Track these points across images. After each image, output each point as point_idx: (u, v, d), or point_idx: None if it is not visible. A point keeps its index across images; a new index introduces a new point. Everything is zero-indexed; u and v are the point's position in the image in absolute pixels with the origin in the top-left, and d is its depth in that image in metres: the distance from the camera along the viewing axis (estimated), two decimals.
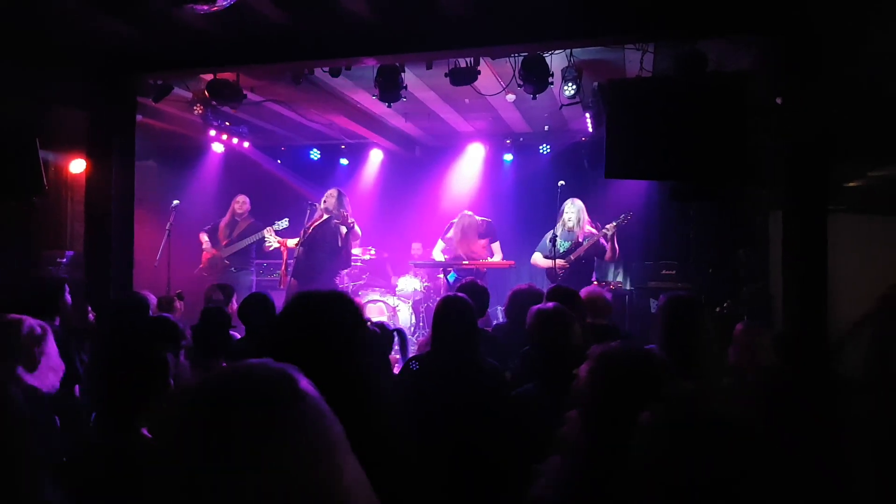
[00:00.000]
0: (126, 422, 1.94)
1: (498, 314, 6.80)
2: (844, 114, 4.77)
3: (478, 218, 7.10)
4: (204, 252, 7.52)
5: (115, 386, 1.96)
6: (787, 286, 4.14)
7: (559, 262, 6.35)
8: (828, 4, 4.02)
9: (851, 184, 6.40)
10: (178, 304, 4.47)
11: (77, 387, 3.04)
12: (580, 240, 6.50)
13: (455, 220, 7.10)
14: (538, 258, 6.71)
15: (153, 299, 3.90)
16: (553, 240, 6.33)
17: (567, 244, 6.51)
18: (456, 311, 2.94)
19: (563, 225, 6.51)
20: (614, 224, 6.40)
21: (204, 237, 7.57)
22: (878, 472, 2.08)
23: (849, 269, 4.66)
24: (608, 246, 6.43)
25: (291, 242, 7.06)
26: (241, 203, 7.63)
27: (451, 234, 7.08)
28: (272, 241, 7.22)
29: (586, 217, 6.61)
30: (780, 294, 4.41)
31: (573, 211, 6.54)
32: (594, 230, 6.57)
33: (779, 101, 4.40)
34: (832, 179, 4.45)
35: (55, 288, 3.22)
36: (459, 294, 3.22)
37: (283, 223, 7.40)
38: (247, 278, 7.47)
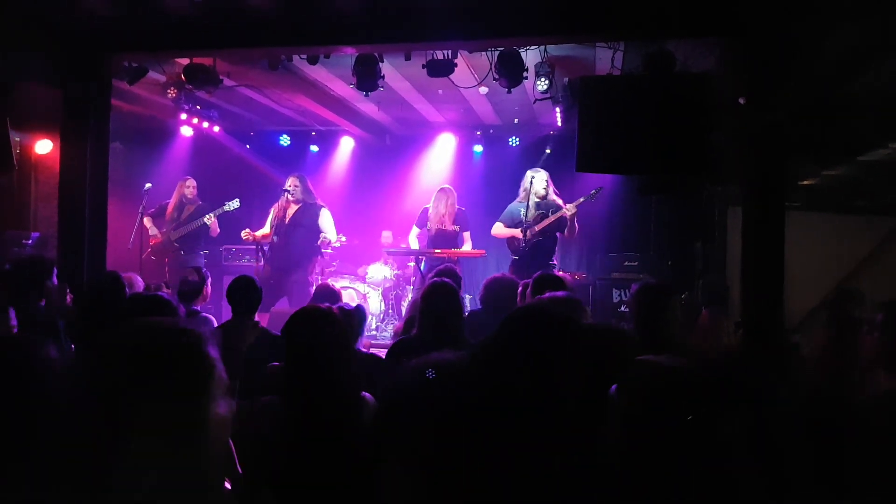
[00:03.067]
0: None
1: (467, 302, 6.93)
2: (801, 114, 5.03)
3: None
4: (151, 237, 7.35)
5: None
6: (746, 278, 4.36)
7: (514, 231, 6.41)
8: (787, 9, 4.24)
9: (806, 182, 6.72)
10: (165, 291, 4.49)
11: None
12: (547, 210, 6.48)
13: (436, 194, 7.16)
14: (499, 228, 6.68)
15: (140, 283, 3.93)
16: (525, 214, 6.37)
17: (539, 213, 6.47)
18: (445, 294, 3.07)
19: (533, 195, 6.44)
20: (583, 199, 6.42)
21: (148, 221, 7.36)
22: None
23: (803, 262, 4.93)
24: (570, 224, 6.44)
25: (261, 233, 7.03)
26: (191, 188, 7.50)
27: (430, 206, 7.12)
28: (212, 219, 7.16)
29: (551, 185, 6.61)
30: (737, 285, 4.66)
31: (541, 180, 6.50)
32: (560, 201, 6.57)
33: (741, 101, 4.61)
34: (789, 178, 4.71)
35: (44, 269, 3.24)
36: (446, 279, 3.34)
37: (234, 203, 7.28)
38: (196, 262, 7.25)
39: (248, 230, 6.99)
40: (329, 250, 7.10)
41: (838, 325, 3.04)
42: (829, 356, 2.91)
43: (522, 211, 6.45)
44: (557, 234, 6.63)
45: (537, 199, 6.48)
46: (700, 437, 1.42)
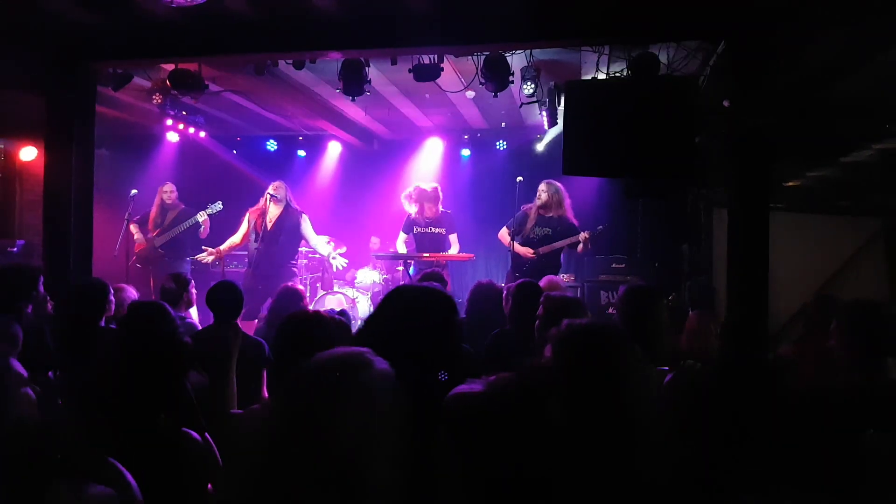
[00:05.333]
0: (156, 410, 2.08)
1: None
2: (785, 117, 5.08)
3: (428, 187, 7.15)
4: (136, 243, 7.29)
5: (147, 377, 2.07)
6: (731, 279, 4.39)
7: (527, 250, 6.35)
8: (771, 14, 4.28)
9: (791, 183, 6.77)
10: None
11: (51, 373, 3.06)
12: (554, 230, 6.39)
13: (419, 185, 7.13)
14: (504, 234, 6.57)
15: (134, 293, 3.91)
16: (525, 224, 6.32)
17: (544, 231, 6.40)
18: None
19: (542, 208, 6.39)
20: (588, 234, 6.30)
21: (134, 228, 7.32)
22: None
23: (788, 263, 4.97)
24: (581, 244, 6.35)
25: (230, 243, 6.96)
26: (169, 192, 7.45)
27: (409, 200, 7.10)
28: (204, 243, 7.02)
29: (567, 200, 6.48)
30: (723, 286, 4.69)
31: (552, 193, 6.41)
32: (571, 218, 6.48)
33: (726, 103, 4.65)
34: (773, 179, 4.75)
35: (31, 276, 3.22)
36: (434, 284, 3.34)
37: (217, 206, 7.24)
38: (182, 268, 7.21)
39: (209, 250, 6.87)
40: (340, 262, 7.04)
41: (814, 329, 3.10)
42: (805, 359, 2.96)
43: (536, 228, 6.37)
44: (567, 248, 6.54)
45: (545, 214, 6.42)
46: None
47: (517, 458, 1.32)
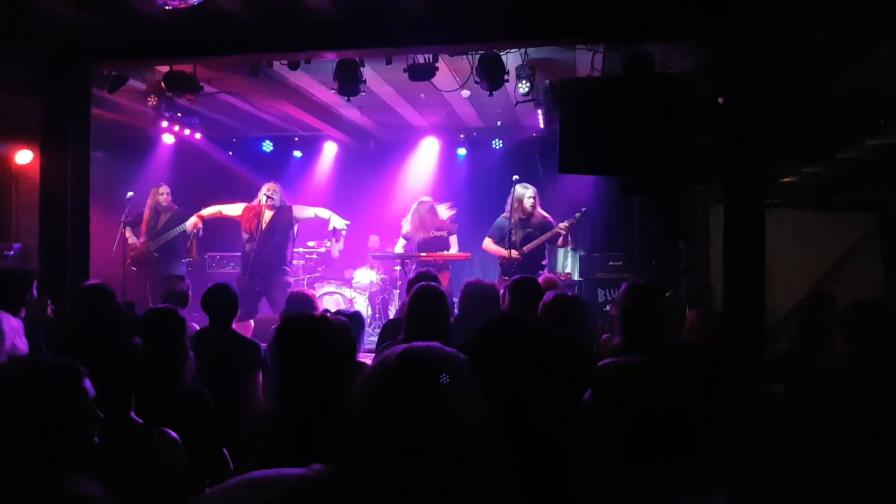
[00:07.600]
0: (125, 410, 2.06)
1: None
2: (781, 113, 5.08)
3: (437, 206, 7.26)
4: (130, 247, 7.25)
5: (113, 377, 2.05)
6: (727, 276, 4.39)
7: (514, 252, 6.47)
8: (766, 11, 4.28)
9: (787, 179, 6.78)
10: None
11: None
12: (534, 229, 6.61)
13: (413, 207, 7.21)
14: (489, 244, 6.81)
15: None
16: (509, 232, 6.46)
17: (526, 232, 6.59)
18: (432, 297, 3.06)
19: (516, 211, 6.56)
20: (568, 223, 6.56)
21: (128, 231, 7.29)
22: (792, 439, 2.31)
23: (784, 259, 4.97)
24: (562, 236, 6.61)
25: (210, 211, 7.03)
26: (164, 195, 7.39)
27: (408, 223, 7.18)
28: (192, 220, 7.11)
29: (538, 201, 6.72)
30: (719, 284, 4.69)
31: (525, 196, 6.61)
32: (546, 215, 6.71)
33: (720, 100, 4.65)
34: (769, 175, 4.76)
35: (25, 280, 3.22)
36: (433, 283, 3.34)
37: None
38: (177, 269, 7.19)
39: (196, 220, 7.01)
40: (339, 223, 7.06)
41: (808, 327, 3.10)
42: (797, 357, 2.96)
43: (508, 227, 6.51)
44: (546, 244, 6.72)
45: (523, 217, 6.60)
46: (675, 424, 1.47)
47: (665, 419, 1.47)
